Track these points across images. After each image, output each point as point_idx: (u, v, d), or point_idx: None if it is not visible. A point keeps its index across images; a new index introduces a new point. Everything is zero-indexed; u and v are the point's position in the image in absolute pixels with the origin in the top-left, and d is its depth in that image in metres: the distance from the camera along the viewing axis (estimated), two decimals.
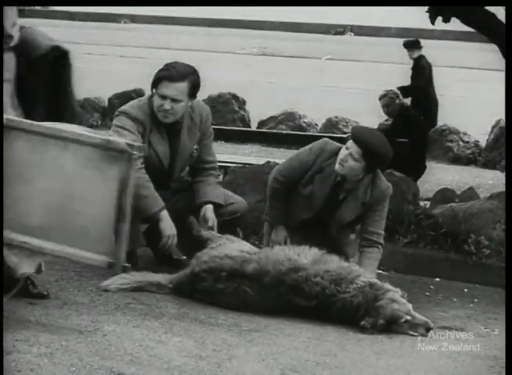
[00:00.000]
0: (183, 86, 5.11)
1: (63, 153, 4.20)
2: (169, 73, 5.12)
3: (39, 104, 4.52)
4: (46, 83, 4.45)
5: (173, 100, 5.11)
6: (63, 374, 3.67)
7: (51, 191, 4.19)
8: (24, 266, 4.34)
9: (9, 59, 4.43)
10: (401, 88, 10.49)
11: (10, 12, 4.38)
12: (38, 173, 4.21)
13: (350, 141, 5.18)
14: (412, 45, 11.37)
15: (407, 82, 11.05)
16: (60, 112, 4.60)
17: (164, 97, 5.10)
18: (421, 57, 11.29)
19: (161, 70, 5.19)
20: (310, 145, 5.41)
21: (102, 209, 4.17)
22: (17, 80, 4.47)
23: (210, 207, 5.28)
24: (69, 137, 4.20)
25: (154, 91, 5.19)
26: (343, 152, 5.14)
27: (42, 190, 4.21)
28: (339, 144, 5.36)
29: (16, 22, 4.42)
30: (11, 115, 4.31)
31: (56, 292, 4.74)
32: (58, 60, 4.53)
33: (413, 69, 11.28)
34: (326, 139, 5.50)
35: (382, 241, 5.28)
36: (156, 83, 5.15)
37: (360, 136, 5.17)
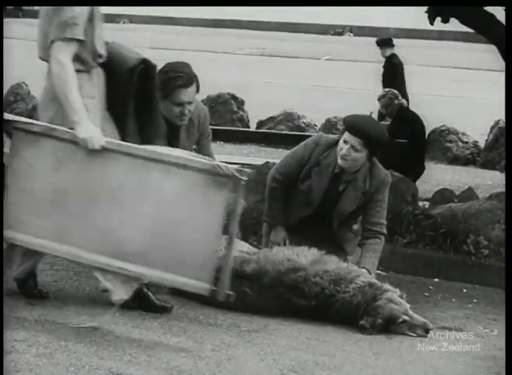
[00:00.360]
0: (194, 88, 5.13)
1: (166, 177, 4.13)
2: (184, 80, 5.09)
3: (128, 117, 4.49)
4: (134, 96, 4.41)
5: (189, 103, 5.11)
6: (62, 374, 3.67)
7: (153, 216, 4.11)
8: (120, 292, 4.27)
9: (97, 76, 4.44)
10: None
11: (99, 31, 4.40)
12: (139, 197, 4.14)
13: (347, 133, 5.16)
14: (384, 43, 11.58)
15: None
16: (148, 124, 4.60)
17: (182, 103, 5.09)
18: (394, 55, 11.52)
19: (171, 78, 5.13)
20: (305, 141, 5.42)
21: (206, 235, 4.10)
22: (107, 95, 4.48)
23: None
24: (173, 162, 4.14)
25: (165, 98, 5.13)
26: (343, 147, 5.13)
27: (143, 214, 4.14)
28: (333, 137, 5.37)
29: (103, 40, 4.43)
30: (100, 130, 4.27)
31: (55, 292, 4.74)
32: (146, 73, 4.53)
33: (385, 67, 11.50)
34: (320, 133, 5.51)
35: (384, 230, 5.26)
36: (171, 91, 5.10)
37: (356, 126, 5.15)
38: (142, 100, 4.50)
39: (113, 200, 4.17)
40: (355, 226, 5.42)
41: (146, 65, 4.53)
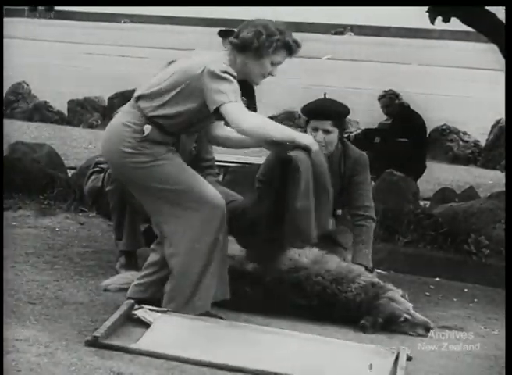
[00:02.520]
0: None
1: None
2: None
3: None
4: None
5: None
6: (63, 374, 3.67)
7: None
8: None
9: None
10: None
11: None
12: None
13: (314, 121, 5.17)
14: (225, 35, 12.36)
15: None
16: None
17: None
18: None
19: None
20: None
21: None
22: None
23: None
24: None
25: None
26: (315, 135, 5.14)
27: None
28: (301, 130, 5.40)
29: None
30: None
31: (56, 292, 4.74)
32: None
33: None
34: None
35: (371, 213, 5.19)
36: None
37: (322, 110, 5.18)
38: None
39: None
40: (339, 212, 5.36)
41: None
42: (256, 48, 4.37)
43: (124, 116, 4.45)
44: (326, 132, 5.13)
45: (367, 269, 4.96)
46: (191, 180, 4.40)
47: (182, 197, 4.34)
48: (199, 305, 4.41)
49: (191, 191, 4.36)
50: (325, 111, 5.17)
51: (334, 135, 5.16)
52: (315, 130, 5.15)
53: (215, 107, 4.22)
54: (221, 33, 12.58)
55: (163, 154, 4.37)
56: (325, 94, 5.47)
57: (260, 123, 4.25)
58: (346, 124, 5.30)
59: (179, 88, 4.32)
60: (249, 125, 4.21)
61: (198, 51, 4.56)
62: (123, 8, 25.78)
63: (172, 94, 4.33)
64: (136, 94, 4.46)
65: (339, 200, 5.29)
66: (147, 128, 4.35)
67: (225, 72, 4.25)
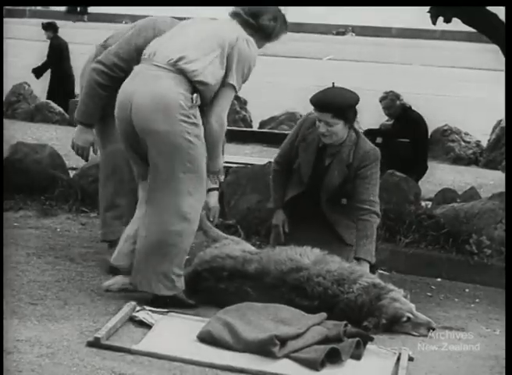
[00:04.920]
0: None
1: None
2: None
3: None
4: None
5: None
6: (64, 374, 3.68)
7: None
8: None
9: None
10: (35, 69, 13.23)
11: None
12: None
13: (316, 113, 5.21)
14: (47, 27, 13.70)
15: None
16: None
17: None
18: (55, 37, 13.62)
19: None
20: None
21: None
22: None
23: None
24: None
25: None
26: (319, 125, 5.19)
27: None
28: None
29: None
30: None
31: (57, 292, 4.74)
32: None
33: (49, 47, 13.55)
34: (310, 112, 5.56)
35: (376, 209, 5.16)
36: None
37: (320, 102, 5.19)
38: None
39: None
40: (343, 201, 5.35)
41: None
42: (271, 35, 4.74)
43: (169, 82, 4.48)
44: (328, 124, 5.15)
45: (370, 265, 4.96)
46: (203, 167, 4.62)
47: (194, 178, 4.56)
48: (179, 285, 4.59)
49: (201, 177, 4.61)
50: (324, 104, 5.17)
51: (338, 127, 5.16)
52: (319, 120, 5.19)
53: (229, 82, 4.50)
54: (44, 26, 13.78)
55: (201, 133, 4.57)
56: (333, 84, 5.45)
57: (221, 130, 4.67)
58: (352, 113, 5.24)
59: (216, 53, 4.51)
60: (218, 121, 4.61)
61: (211, 20, 4.95)
62: (124, 8, 25.78)
63: (210, 58, 4.51)
64: (172, 55, 4.53)
65: (344, 189, 5.29)
66: (196, 96, 4.51)
67: (253, 47, 4.56)
